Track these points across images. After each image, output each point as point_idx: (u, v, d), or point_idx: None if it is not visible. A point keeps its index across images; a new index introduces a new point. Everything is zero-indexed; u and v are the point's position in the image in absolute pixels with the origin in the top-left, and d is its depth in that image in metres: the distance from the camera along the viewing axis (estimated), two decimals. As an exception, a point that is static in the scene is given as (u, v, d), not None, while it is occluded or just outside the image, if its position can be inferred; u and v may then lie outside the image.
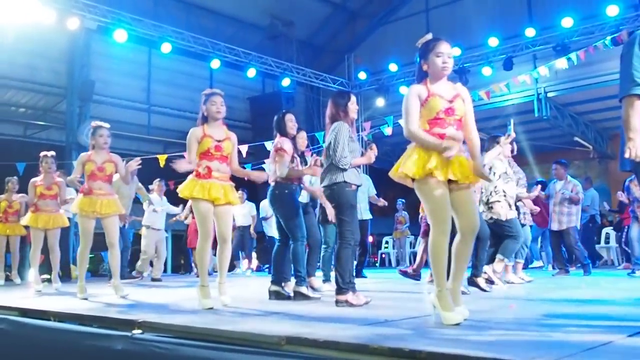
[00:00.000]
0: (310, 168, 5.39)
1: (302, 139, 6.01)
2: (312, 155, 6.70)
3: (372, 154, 5.15)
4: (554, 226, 9.00)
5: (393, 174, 3.58)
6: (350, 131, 4.87)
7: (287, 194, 5.39)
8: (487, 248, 6.93)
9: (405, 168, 3.48)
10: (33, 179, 7.80)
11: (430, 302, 3.48)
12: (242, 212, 11.59)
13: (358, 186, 4.90)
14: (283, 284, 5.45)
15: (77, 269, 6.37)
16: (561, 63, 12.43)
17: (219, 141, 4.91)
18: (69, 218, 8.26)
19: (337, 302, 4.59)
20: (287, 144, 5.42)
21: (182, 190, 4.91)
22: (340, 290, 4.61)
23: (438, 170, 3.38)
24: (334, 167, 4.76)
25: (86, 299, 5.83)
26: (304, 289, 5.37)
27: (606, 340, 2.68)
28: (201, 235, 4.87)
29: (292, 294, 5.39)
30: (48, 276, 8.20)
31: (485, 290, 5.72)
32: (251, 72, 15.60)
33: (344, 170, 4.72)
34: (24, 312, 4.71)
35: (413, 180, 3.51)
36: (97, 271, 13.81)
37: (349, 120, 4.93)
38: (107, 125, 6.33)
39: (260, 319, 4.01)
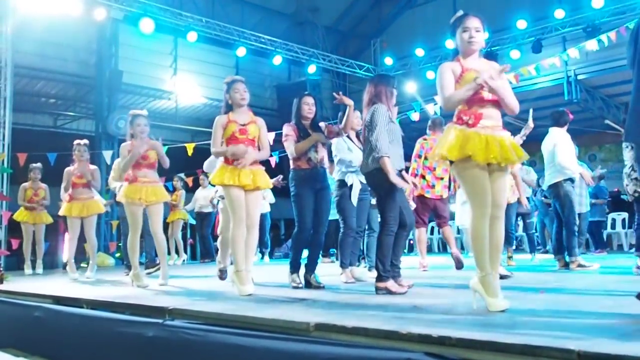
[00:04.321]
0: (313, 137, 5.27)
1: (357, 118, 5.93)
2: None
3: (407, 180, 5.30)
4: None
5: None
6: (389, 114, 4.73)
7: (292, 180, 5.31)
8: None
9: (443, 149, 3.44)
10: (67, 168, 7.84)
11: (472, 288, 3.44)
12: None
13: (400, 170, 4.83)
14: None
15: (130, 258, 6.27)
16: (591, 45, 12.17)
17: (243, 125, 4.96)
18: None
19: (377, 290, 4.51)
20: (286, 129, 5.36)
21: (213, 178, 5.01)
22: (380, 278, 4.53)
23: (477, 153, 3.33)
24: (373, 151, 4.60)
25: (146, 286, 5.81)
26: (312, 279, 5.28)
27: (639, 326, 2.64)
28: (234, 221, 4.88)
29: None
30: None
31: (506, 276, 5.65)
32: (277, 60, 15.59)
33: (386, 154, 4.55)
34: (58, 300, 4.81)
35: (451, 162, 3.49)
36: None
37: (390, 104, 4.80)
38: (144, 112, 6.33)
39: (289, 305, 4.02)
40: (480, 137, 3.37)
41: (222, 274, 6.32)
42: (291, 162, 5.36)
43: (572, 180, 6.69)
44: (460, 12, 3.63)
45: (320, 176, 5.35)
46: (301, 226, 5.27)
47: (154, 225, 6.13)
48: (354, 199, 5.66)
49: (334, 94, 5.24)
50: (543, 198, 10.47)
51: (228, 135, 4.95)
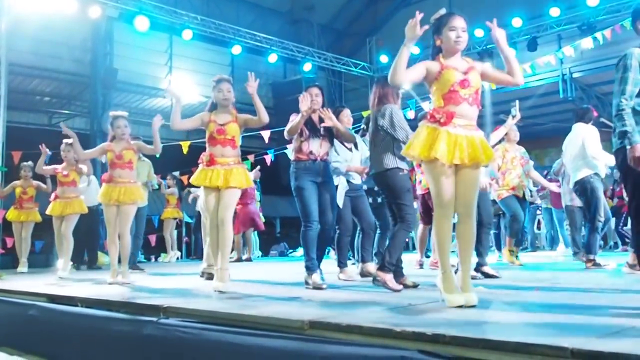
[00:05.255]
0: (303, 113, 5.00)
1: (347, 117, 5.91)
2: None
3: None
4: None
5: (405, 152, 3.57)
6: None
7: (293, 172, 5.11)
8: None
9: (412, 149, 3.47)
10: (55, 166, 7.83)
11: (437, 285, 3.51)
12: None
13: (409, 170, 4.84)
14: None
15: (109, 255, 6.45)
16: (587, 43, 12.20)
17: (222, 125, 5.00)
18: (95, 207, 8.38)
19: (375, 279, 4.47)
20: (292, 117, 5.19)
21: (193, 179, 5.17)
22: (382, 267, 4.45)
23: (444, 155, 3.35)
24: (385, 152, 4.63)
25: (115, 284, 5.96)
26: (315, 276, 4.93)
27: (633, 324, 2.64)
28: (208, 221, 5.14)
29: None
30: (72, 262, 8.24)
31: (495, 276, 5.47)
32: (272, 58, 15.58)
33: (395, 155, 4.59)
34: (52, 298, 4.79)
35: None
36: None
37: (397, 104, 4.81)
38: (124, 114, 6.39)
39: (284, 303, 4.01)
40: (450, 136, 3.38)
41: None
42: (292, 155, 5.23)
43: (598, 174, 6.58)
44: (443, 11, 3.63)
45: (321, 169, 5.11)
46: (307, 221, 4.95)
47: (122, 226, 6.19)
48: (340, 200, 5.62)
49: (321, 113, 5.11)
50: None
51: (208, 134, 5.04)
